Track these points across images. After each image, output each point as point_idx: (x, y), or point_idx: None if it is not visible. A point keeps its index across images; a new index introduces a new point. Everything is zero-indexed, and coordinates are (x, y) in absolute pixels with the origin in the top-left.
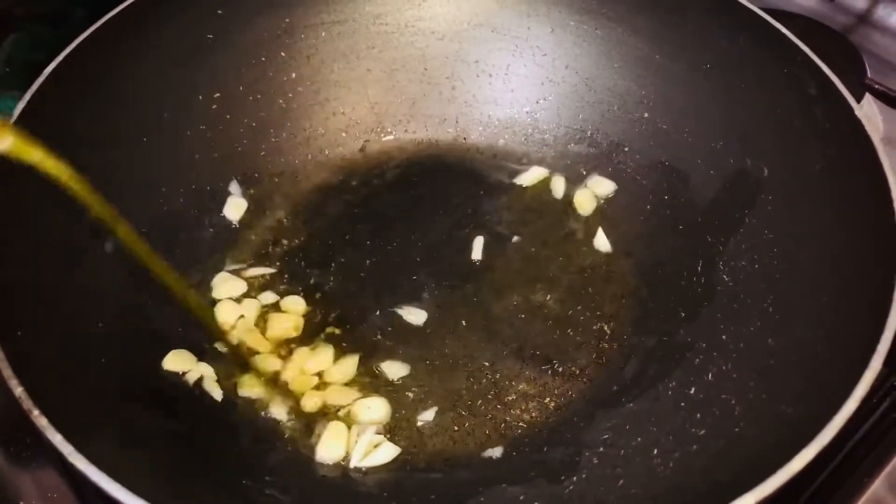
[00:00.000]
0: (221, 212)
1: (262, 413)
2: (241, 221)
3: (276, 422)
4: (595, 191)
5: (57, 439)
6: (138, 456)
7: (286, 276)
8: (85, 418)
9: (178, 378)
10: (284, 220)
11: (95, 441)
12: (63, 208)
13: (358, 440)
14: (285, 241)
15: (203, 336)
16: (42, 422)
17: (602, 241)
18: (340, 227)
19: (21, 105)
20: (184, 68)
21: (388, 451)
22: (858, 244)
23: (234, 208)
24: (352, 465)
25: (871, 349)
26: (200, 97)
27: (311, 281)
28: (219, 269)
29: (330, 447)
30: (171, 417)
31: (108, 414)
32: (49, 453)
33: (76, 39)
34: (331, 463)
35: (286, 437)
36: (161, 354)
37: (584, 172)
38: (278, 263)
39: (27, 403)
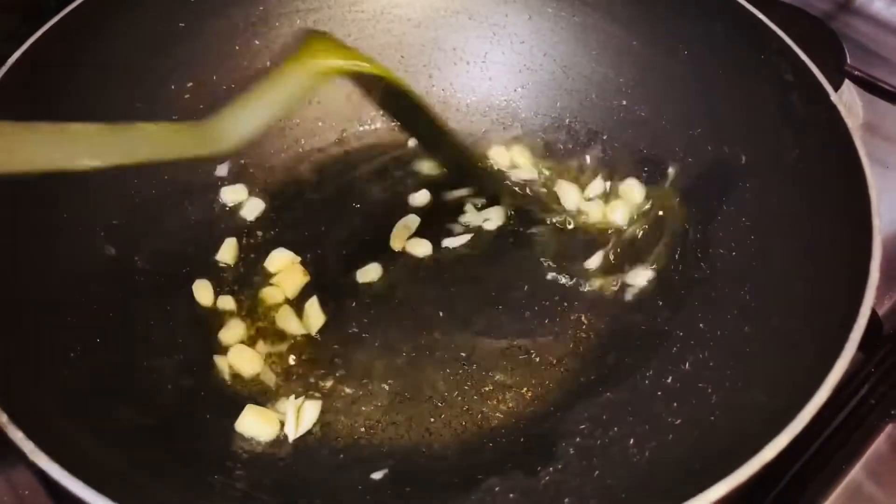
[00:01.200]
0: (194, 204)
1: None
2: (215, 214)
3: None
4: (578, 181)
5: (18, 436)
6: (106, 452)
7: (258, 267)
8: (51, 414)
9: (151, 372)
10: (259, 213)
11: (61, 438)
12: (39, 199)
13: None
14: (260, 233)
15: (174, 331)
16: (2, 418)
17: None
18: (316, 219)
19: None
20: (155, 56)
21: (313, 409)
22: (834, 232)
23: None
24: (290, 439)
25: (845, 337)
26: (172, 86)
27: None
28: (195, 262)
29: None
30: (142, 412)
31: (77, 410)
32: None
33: (43, 26)
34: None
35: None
36: (134, 349)
37: (563, 161)
38: (252, 255)
39: None
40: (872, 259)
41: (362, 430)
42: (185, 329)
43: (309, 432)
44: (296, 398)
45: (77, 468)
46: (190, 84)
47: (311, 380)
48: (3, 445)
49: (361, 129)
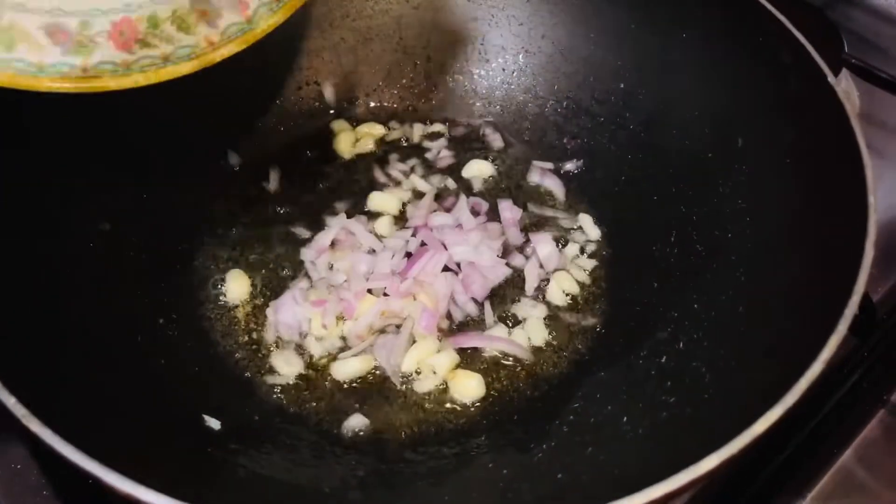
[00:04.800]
0: (188, 181)
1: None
2: (212, 191)
3: (251, 388)
4: (567, 168)
5: (10, 402)
6: (99, 419)
7: (255, 245)
8: (44, 381)
9: (146, 338)
10: (253, 188)
11: (54, 404)
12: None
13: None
14: (257, 210)
15: (167, 303)
16: None
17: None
18: (312, 197)
19: None
20: None
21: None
22: (829, 214)
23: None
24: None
25: (838, 314)
26: None
27: (282, 250)
28: (187, 240)
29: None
30: (136, 380)
31: (69, 377)
32: (11, 423)
33: None
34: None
35: (258, 404)
36: (124, 318)
37: (561, 143)
38: (247, 230)
39: None
40: (868, 236)
41: (356, 405)
42: (178, 301)
43: (299, 411)
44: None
45: (72, 435)
46: None
47: None
48: None
49: (358, 109)
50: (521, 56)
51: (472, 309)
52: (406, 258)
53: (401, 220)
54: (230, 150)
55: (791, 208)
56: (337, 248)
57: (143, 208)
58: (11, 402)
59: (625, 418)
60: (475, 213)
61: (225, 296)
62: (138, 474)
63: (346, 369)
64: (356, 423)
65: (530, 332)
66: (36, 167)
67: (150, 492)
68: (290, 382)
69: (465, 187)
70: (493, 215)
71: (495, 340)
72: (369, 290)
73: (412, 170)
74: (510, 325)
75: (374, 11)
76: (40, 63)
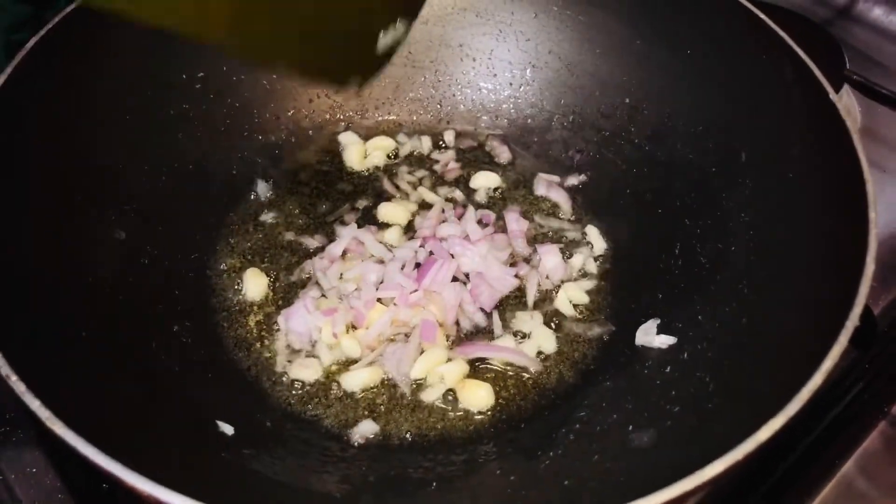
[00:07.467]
0: (201, 192)
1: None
2: (224, 202)
3: (263, 395)
4: (573, 181)
5: (35, 405)
6: (116, 423)
7: (267, 255)
8: (65, 385)
9: (160, 344)
10: (265, 199)
11: (75, 407)
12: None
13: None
14: (268, 220)
15: (184, 308)
16: (20, 387)
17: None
18: (322, 207)
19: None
20: (168, 47)
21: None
22: (831, 227)
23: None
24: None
25: (840, 326)
26: (184, 76)
27: (294, 259)
28: (201, 249)
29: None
30: (152, 385)
31: (88, 382)
32: (28, 426)
33: (57, 16)
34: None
35: (270, 410)
36: (139, 324)
37: (567, 156)
38: (259, 240)
39: (5, 369)
40: (868, 250)
41: (366, 412)
42: (192, 309)
43: (310, 417)
44: None
45: (94, 437)
46: (201, 74)
47: None
48: (9, 424)
49: (367, 121)
50: (528, 70)
51: (480, 319)
52: (415, 268)
53: (409, 230)
54: (259, 179)
55: (794, 222)
56: (347, 258)
57: (156, 218)
58: (36, 405)
59: (630, 427)
60: (482, 224)
61: (243, 296)
62: (156, 476)
63: (355, 380)
64: (366, 429)
65: (537, 342)
66: (51, 180)
67: (171, 493)
68: (302, 389)
69: (473, 199)
70: (501, 227)
71: (503, 350)
72: (379, 300)
73: (421, 181)
74: (518, 335)
75: None
76: None
